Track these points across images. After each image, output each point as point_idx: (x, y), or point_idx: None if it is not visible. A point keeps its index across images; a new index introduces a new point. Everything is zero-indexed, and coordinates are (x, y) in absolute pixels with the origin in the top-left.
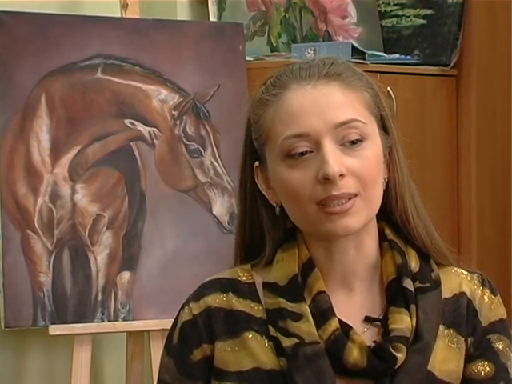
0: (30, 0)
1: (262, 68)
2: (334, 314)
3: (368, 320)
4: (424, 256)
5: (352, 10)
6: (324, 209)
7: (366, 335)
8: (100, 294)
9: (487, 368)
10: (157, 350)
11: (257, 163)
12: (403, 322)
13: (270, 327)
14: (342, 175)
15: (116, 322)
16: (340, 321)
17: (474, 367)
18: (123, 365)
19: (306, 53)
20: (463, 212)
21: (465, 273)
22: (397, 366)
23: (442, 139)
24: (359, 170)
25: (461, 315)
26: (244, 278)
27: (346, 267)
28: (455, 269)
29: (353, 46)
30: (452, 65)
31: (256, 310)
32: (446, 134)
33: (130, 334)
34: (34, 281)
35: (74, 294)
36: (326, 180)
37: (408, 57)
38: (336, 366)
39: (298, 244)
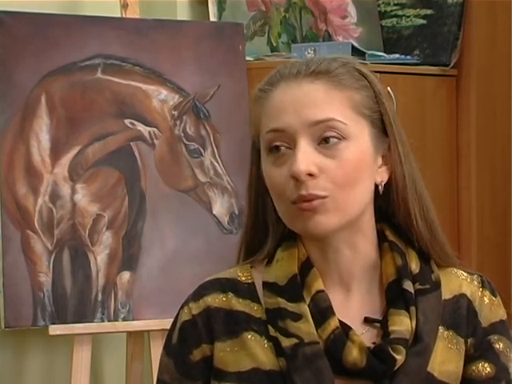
0: (30, 0)
1: (261, 68)
2: (333, 313)
3: (367, 321)
4: (424, 257)
5: (352, 9)
6: (296, 206)
7: (366, 336)
8: (100, 294)
9: (488, 369)
10: (157, 350)
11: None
12: (403, 324)
13: (270, 327)
14: (311, 175)
15: (116, 322)
16: (339, 321)
17: (474, 368)
18: (123, 365)
19: (305, 53)
20: (463, 212)
21: (465, 274)
22: (396, 367)
23: (441, 139)
24: (333, 170)
25: (461, 316)
26: (243, 278)
27: (342, 267)
28: (455, 270)
29: (353, 46)
30: (452, 65)
31: (255, 311)
32: (446, 134)
33: (129, 333)
34: (33, 281)
35: (74, 293)
36: (295, 179)
37: (408, 57)
38: (335, 366)
39: (297, 244)
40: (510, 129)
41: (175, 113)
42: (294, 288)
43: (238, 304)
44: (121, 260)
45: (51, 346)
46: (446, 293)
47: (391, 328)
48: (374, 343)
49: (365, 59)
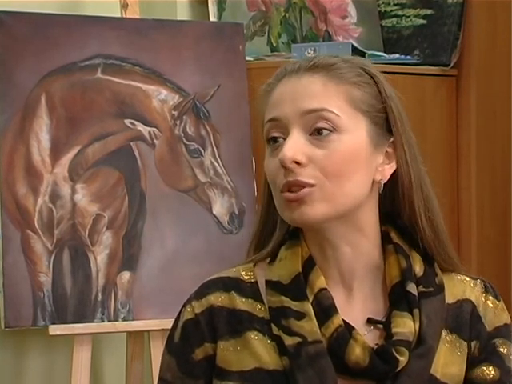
0: (30, 0)
1: (261, 68)
2: (336, 311)
3: (370, 322)
4: (429, 260)
5: (352, 9)
6: (283, 195)
7: (368, 337)
8: (100, 294)
9: (492, 372)
10: (157, 350)
11: None
12: (406, 326)
13: (273, 326)
14: (298, 163)
15: (116, 322)
16: (343, 321)
17: (479, 371)
18: (123, 365)
19: (306, 53)
20: (463, 212)
21: (468, 279)
22: (398, 368)
23: (441, 139)
24: (322, 161)
25: (463, 320)
26: (246, 278)
27: (342, 265)
28: (458, 275)
29: (353, 46)
30: (452, 65)
31: (258, 310)
32: (446, 134)
33: (129, 333)
34: (33, 281)
35: (74, 293)
36: (284, 166)
37: (408, 57)
38: (338, 365)
39: (300, 242)
40: (510, 129)
41: (175, 113)
42: (297, 287)
43: (241, 303)
44: (121, 260)
45: (51, 345)
46: (449, 297)
47: (394, 330)
48: (376, 344)
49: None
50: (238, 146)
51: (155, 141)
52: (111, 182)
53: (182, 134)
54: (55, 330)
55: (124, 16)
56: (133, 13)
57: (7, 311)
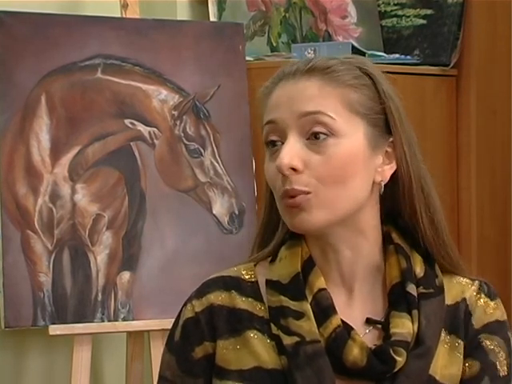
0: (30, 0)
1: (261, 68)
2: (335, 312)
3: (369, 322)
4: (429, 261)
5: (352, 9)
6: (285, 201)
7: (367, 337)
8: (100, 294)
9: (474, 367)
10: (157, 350)
11: None
12: (404, 327)
13: (272, 325)
14: (295, 169)
15: (116, 322)
16: (341, 321)
17: (464, 368)
18: (123, 365)
19: (305, 53)
20: (463, 212)
21: (467, 281)
22: (396, 369)
23: (441, 139)
24: (318, 166)
25: (460, 321)
26: (247, 277)
27: (343, 267)
28: (460, 278)
29: (353, 46)
30: (452, 65)
31: (258, 309)
32: (446, 134)
33: (129, 333)
34: (33, 281)
35: (74, 293)
36: (281, 173)
37: (408, 57)
38: (336, 365)
39: (300, 242)
40: (510, 129)
41: (175, 113)
42: (296, 286)
43: (242, 302)
44: (121, 260)
45: (51, 346)
46: (448, 299)
47: (393, 330)
48: (375, 345)
49: None
50: (238, 146)
51: (155, 141)
52: (111, 182)
53: (182, 134)
54: (55, 329)
55: (124, 16)
56: (133, 13)
57: (7, 311)
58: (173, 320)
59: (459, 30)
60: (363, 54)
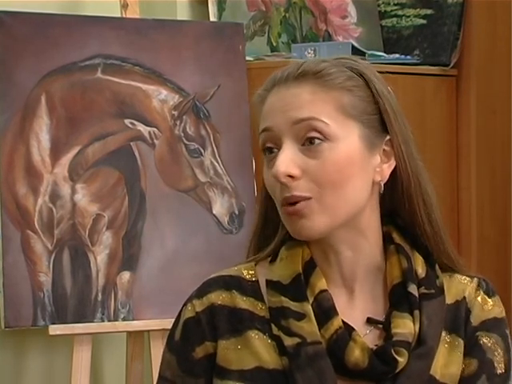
0: (30, 0)
1: (261, 68)
2: (336, 313)
3: (370, 322)
4: (430, 262)
5: (352, 9)
6: (285, 208)
7: (368, 338)
8: (100, 294)
9: (472, 365)
10: (157, 350)
11: None
12: (406, 327)
13: (273, 326)
14: (292, 177)
15: (116, 322)
16: (343, 322)
17: (463, 366)
18: (123, 365)
19: (305, 53)
20: (463, 212)
21: (467, 278)
22: (398, 369)
23: (441, 139)
24: (315, 172)
25: (460, 319)
26: (248, 276)
27: (344, 268)
28: (459, 276)
29: (353, 46)
30: (452, 65)
31: (259, 309)
32: (446, 134)
33: (129, 333)
34: (33, 281)
35: (74, 293)
36: (278, 181)
37: (408, 57)
38: (337, 366)
39: (301, 243)
40: (510, 129)
41: (175, 113)
42: (297, 287)
43: (242, 302)
44: (121, 260)
45: (51, 345)
46: (449, 298)
47: (394, 330)
48: (376, 345)
49: (365, 59)
50: (238, 146)
51: (155, 141)
52: (111, 182)
53: (182, 134)
54: (55, 329)
55: (124, 16)
56: (133, 13)
57: (7, 311)
58: (173, 320)
59: (459, 30)
60: (363, 54)
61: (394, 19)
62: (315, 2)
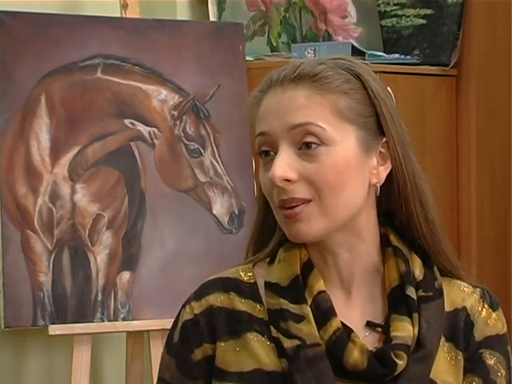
0: (30, 0)
1: (261, 68)
2: (335, 314)
3: (369, 325)
4: (428, 264)
5: (352, 9)
6: (281, 211)
7: (367, 340)
8: (100, 294)
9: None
10: (156, 350)
11: None
12: (405, 330)
13: (272, 328)
14: (289, 180)
15: (116, 322)
16: (341, 323)
17: (465, 382)
18: (123, 365)
19: (305, 53)
20: (463, 212)
21: (468, 287)
22: (397, 372)
23: (441, 139)
24: (312, 175)
25: (459, 329)
26: (246, 278)
27: (341, 269)
28: (459, 282)
29: (352, 46)
30: (452, 65)
31: (258, 311)
32: (446, 133)
33: (129, 333)
34: (33, 281)
35: (74, 293)
36: (275, 185)
37: (408, 57)
38: (336, 368)
39: (299, 244)
40: (510, 129)
41: (175, 113)
42: (295, 289)
43: (241, 304)
44: (121, 260)
45: (51, 345)
46: (447, 305)
47: (393, 334)
48: (375, 348)
49: (364, 59)
50: (238, 146)
51: (155, 141)
52: (111, 182)
53: (182, 134)
54: (55, 329)
55: (124, 16)
56: (133, 13)
57: (7, 311)
58: (173, 320)
59: (459, 30)
60: (363, 54)
61: (394, 19)
62: (315, 2)
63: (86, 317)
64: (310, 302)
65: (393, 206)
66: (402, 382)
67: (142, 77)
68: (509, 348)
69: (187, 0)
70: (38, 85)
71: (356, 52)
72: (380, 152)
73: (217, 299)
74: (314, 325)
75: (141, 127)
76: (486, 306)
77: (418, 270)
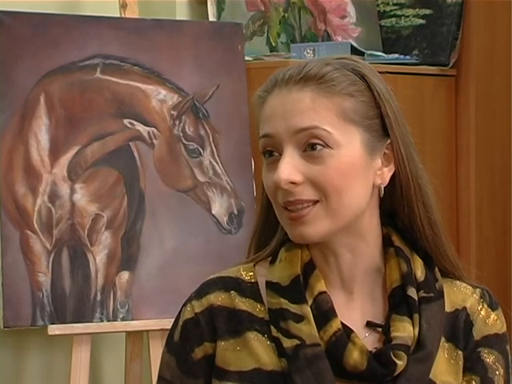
0: (30, 0)
1: (261, 68)
2: (335, 315)
3: (369, 325)
4: (429, 265)
5: (351, 9)
6: (286, 213)
7: (367, 340)
8: (99, 294)
9: (474, 383)
10: (156, 350)
11: None
12: (405, 331)
13: (272, 327)
14: (294, 183)
15: (115, 322)
16: (342, 324)
17: (463, 381)
18: (122, 365)
19: (304, 53)
20: (462, 212)
21: (468, 288)
22: (396, 372)
23: (441, 139)
24: (318, 178)
25: (459, 329)
26: (247, 278)
27: (343, 270)
28: (459, 283)
29: (352, 46)
30: (451, 65)
31: (258, 310)
32: (445, 133)
33: (129, 333)
34: (33, 281)
35: (73, 293)
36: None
37: (407, 57)
38: (336, 368)
39: (300, 245)
40: (510, 129)
41: (174, 113)
42: (296, 289)
43: (242, 303)
44: (120, 260)
45: (50, 345)
46: (448, 305)
47: (393, 334)
48: (375, 348)
49: (364, 59)
50: (237, 146)
51: (154, 141)
52: (110, 182)
53: (181, 134)
54: (54, 329)
55: (123, 16)
56: (132, 13)
57: (6, 311)
58: (172, 320)
59: (458, 30)
60: (362, 53)
61: (393, 19)
62: (314, 2)
63: (85, 317)
64: (310, 303)
65: (395, 206)
66: (401, 383)
67: (141, 77)
68: (508, 347)
69: (186, 0)
70: (37, 85)
71: (355, 52)
72: (384, 153)
73: (217, 298)
74: (314, 325)
75: (140, 127)
76: (485, 305)
77: (419, 271)
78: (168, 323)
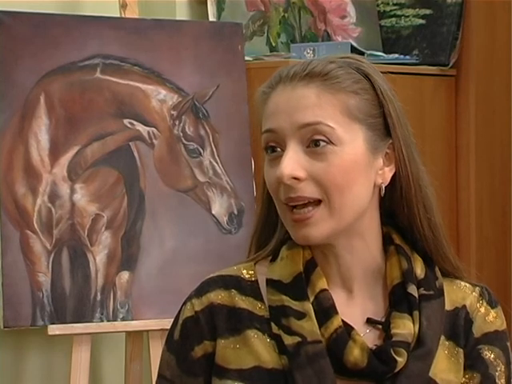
0: (30, 0)
1: (261, 68)
2: (336, 312)
3: (370, 322)
4: (429, 263)
5: (351, 9)
6: (290, 213)
7: (368, 337)
8: (99, 294)
9: (475, 379)
10: (156, 350)
11: None
12: (405, 328)
13: (273, 324)
14: (297, 179)
15: (115, 322)
16: (342, 321)
17: (464, 378)
18: (122, 365)
19: (304, 53)
20: (462, 212)
21: (468, 286)
22: (397, 369)
23: (440, 139)
24: (320, 175)
25: (459, 327)
26: (247, 276)
27: (343, 269)
28: (459, 282)
29: (352, 46)
30: (451, 65)
31: (258, 308)
32: (445, 134)
33: (129, 333)
34: (33, 281)
35: (73, 293)
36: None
37: (407, 57)
38: (337, 365)
39: None
40: (510, 129)
41: (174, 113)
42: (298, 286)
43: (242, 301)
44: (120, 260)
45: (50, 345)
46: (448, 304)
47: (393, 331)
48: (375, 345)
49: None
50: (237, 146)
51: (154, 141)
52: (110, 182)
53: (181, 134)
54: (54, 329)
55: (123, 16)
56: (132, 13)
57: (6, 311)
58: (172, 320)
59: (458, 30)
60: (362, 53)
61: (393, 19)
62: (314, 2)
63: (85, 317)
64: (311, 300)
65: (395, 207)
66: (401, 380)
67: (141, 77)
68: (508, 344)
69: (186, 0)
70: (37, 85)
71: (355, 52)
72: (386, 153)
73: (217, 296)
74: (316, 322)
75: (140, 127)
76: (484, 303)
77: (419, 269)
78: (168, 323)
